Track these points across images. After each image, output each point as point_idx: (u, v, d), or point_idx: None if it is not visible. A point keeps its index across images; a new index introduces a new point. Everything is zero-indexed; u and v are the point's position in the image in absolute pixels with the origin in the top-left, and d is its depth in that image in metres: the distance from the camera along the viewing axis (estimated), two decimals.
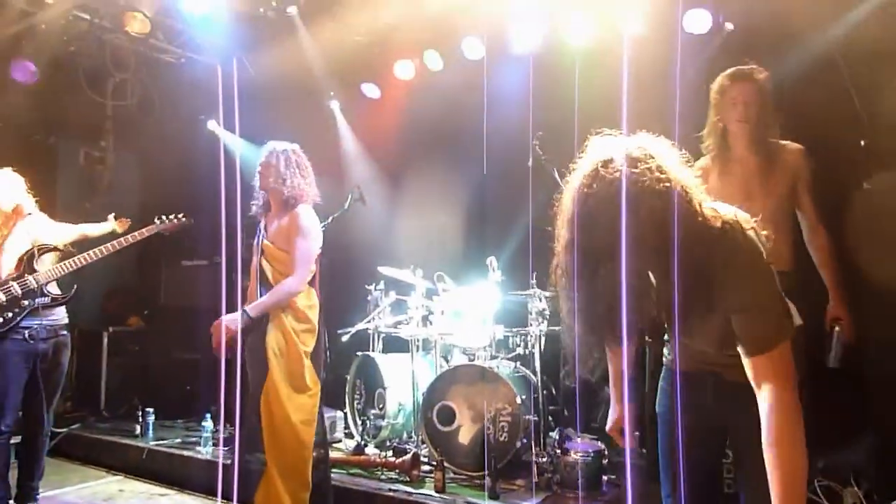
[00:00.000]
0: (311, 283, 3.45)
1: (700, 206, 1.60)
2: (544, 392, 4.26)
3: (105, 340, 5.99)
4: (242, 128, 6.15)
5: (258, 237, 3.51)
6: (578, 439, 3.91)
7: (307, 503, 3.34)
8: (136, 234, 3.86)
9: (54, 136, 6.23)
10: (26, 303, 3.53)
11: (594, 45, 4.65)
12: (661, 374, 2.17)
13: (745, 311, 1.62)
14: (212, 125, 6.29)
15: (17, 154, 5.80)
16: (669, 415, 2.04)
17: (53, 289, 3.68)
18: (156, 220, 4.04)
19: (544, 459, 3.87)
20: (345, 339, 4.93)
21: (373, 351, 4.85)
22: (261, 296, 3.33)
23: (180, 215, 4.10)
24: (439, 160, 5.48)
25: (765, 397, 1.59)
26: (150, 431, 5.15)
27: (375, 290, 4.94)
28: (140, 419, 5.21)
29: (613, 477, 3.78)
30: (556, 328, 4.26)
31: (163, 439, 5.02)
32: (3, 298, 3.48)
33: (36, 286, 3.57)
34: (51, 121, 6.03)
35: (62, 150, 6.26)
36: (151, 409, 5.22)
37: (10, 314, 3.48)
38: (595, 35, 4.65)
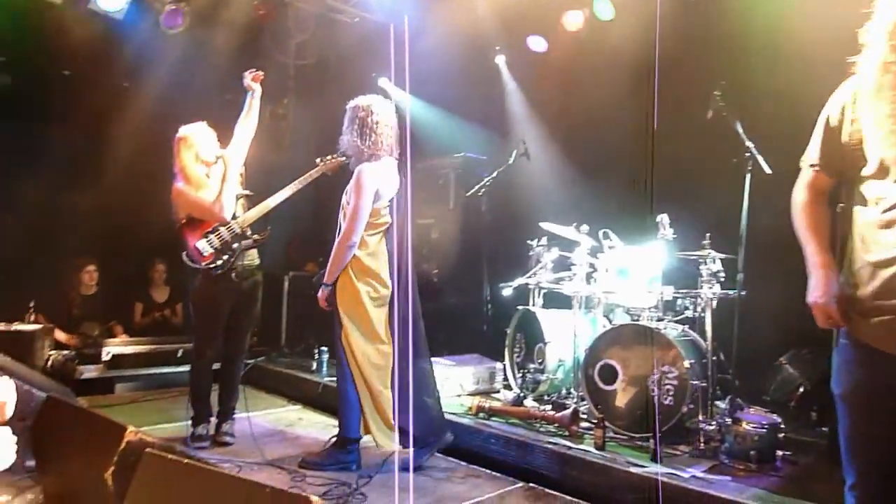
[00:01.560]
0: (379, 234, 3.64)
1: None
2: (714, 358, 4.05)
3: (286, 284, 6.53)
4: (411, 84, 6.33)
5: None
6: (751, 410, 3.69)
7: (390, 439, 3.60)
8: (305, 176, 4.08)
9: (244, 96, 6.76)
10: (235, 245, 3.94)
11: None
12: (837, 349, 1.95)
13: None
14: (382, 82, 6.52)
15: (214, 112, 6.41)
16: (853, 397, 1.86)
17: (248, 232, 4.06)
18: (317, 161, 4.21)
19: (712, 427, 3.70)
20: (506, 293, 4.99)
21: (533, 306, 4.87)
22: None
23: (337, 154, 4.20)
24: (607, 113, 5.29)
25: None
26: (324, 368, 5.58)
27: (537, 245, 4.93)
28: (315, 356, 5.66)
29: (790, 453, 3.54)
30: (730, 292, 4.01)
31: (334, 376, 5.40)
32: (218, 244, 3.91)
33: (240, 230, 3.97)
34: (241, 81, 6.54)
35: None
36: (325, 348, 5.64)
37: (226, 256, 3.91)
38: None
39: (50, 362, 5.10)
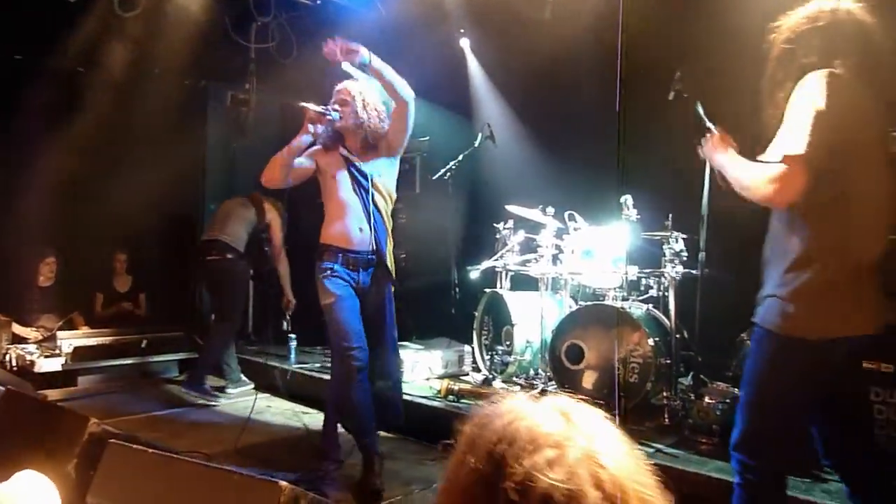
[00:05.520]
0: None
1: None
2: (677, 336, 4.13)
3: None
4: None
5: (357, 171, 3.54)
6: (714, 385, 3.78)
7: None
8: None
9: (204, 80, 6.65)
10: None
11: None
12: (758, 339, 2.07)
13: None
14: (346, 66, 6.42)
15: (173, 97, 6.28)
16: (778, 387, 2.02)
17: None
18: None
19: (676, 403, 3.79)
20: (473, 276, 5.01)
21: (500, 288, 4.90)
22: (374, 223, 3.70)
23: None
24: (573, 95, 5.31)
25: None
26: (292, 356, 5.54)
27: (504, 228, 4.95)
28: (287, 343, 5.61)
29: None
30: (693, 271, 4.08)
31: (304, 363, 5.40)
32: None
33: None
34: (202, 66, 6.42)
35: (211, 92, 6.67)
36: (294, 336, 5.60)
37: None
38: None
39: (8, 356, 4.98)
